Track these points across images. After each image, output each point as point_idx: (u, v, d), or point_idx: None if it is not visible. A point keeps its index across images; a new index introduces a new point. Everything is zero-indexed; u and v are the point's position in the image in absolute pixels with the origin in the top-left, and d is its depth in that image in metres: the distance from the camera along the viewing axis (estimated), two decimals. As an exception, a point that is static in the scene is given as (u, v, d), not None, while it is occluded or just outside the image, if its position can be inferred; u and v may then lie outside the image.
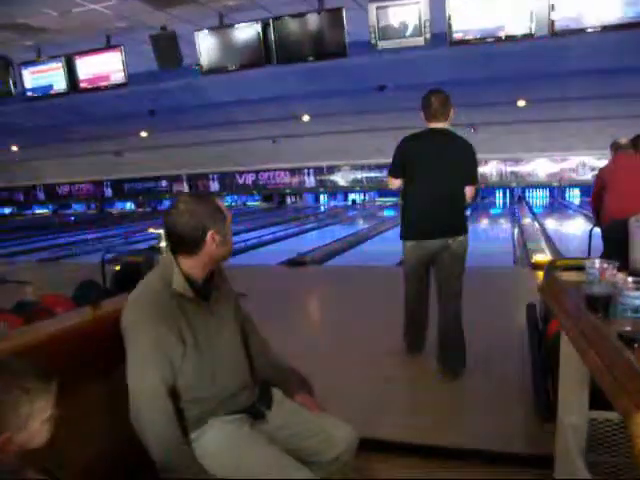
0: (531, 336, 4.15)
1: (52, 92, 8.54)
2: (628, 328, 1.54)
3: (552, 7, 6.17)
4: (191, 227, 1.78)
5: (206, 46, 7.49)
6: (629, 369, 1.31)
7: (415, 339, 4.23)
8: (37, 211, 29.11)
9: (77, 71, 8.25)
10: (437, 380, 3.82)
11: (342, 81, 13.94)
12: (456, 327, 3.87)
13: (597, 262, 1.92)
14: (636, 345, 1.43)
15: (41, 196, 28.99)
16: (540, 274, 5.89)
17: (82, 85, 8.32)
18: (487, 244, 11.72)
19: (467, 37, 6.55)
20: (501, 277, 6.92)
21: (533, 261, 7.51)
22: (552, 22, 6.19)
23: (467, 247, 3.93)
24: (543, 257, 7.76)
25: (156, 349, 1.72)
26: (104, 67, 8.12)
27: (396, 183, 3.97)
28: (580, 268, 3.82)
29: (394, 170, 3.95)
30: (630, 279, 1.73)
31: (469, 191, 3.88)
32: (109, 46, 8.08)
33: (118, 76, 8.08)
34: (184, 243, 1.81)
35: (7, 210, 29.83)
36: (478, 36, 6.52)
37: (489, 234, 14.89)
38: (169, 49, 7.72)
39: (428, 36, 6.68)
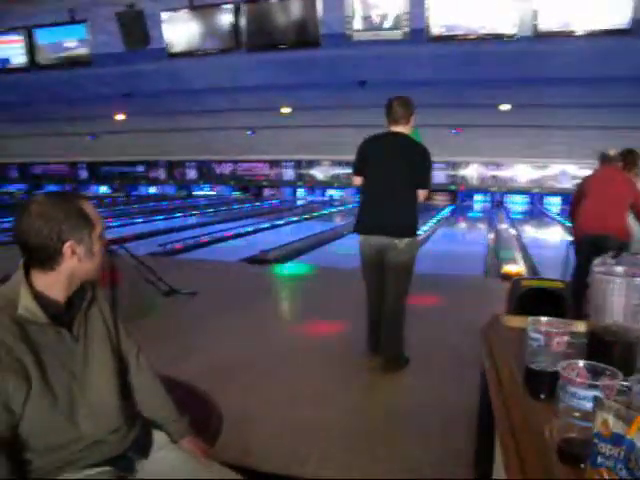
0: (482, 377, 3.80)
1: (10, 66, 8.07)
2: (572, 435, 1.11)
3: (536, 11, 5.92)
4: (44, 236, 1.42)
5: (173, 28, 7.12)
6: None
7: (372, 337, 4.11)
8: (10, 189, 28.39)
9: (38, 45, 7.81)
10: (374, 401, 3.52)
11: (324, 74, 13.64)
12: (393, 319, 3.94)
13: (543, 322, 1.46)
14: (582, 466, 1.05)
15: (14, 174, 28.36)
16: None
17: (43, 61, 7.87)
18: (463, 247, 11.53)
19: (447, 33, 6.26)
20: (467, 287, 6.63)
21: (503, 271, 7.26)
22: (535, 25, 5.93)
23: (415, 249, 3.99)
24: (514, 268, 7.50)
25: None
26: (67, 43, 7.69)
27: (357, 180, 4.14)
28: (548, 292, 3.58)
29: (355, 168, 4.15)
30: (583, 366, 1.19)
31: (421, 194, 3.98)
32: (72, 20, 7.64)
33: (82, 53, 7.65)
34: (35, 255, 1.45)
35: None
36: (458, 33, 6.22)
37: (466, 238, 14.68)
38: (136, 28, 7.32)
39: (407, 30, 6.37)
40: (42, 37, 7.77)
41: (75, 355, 1.52)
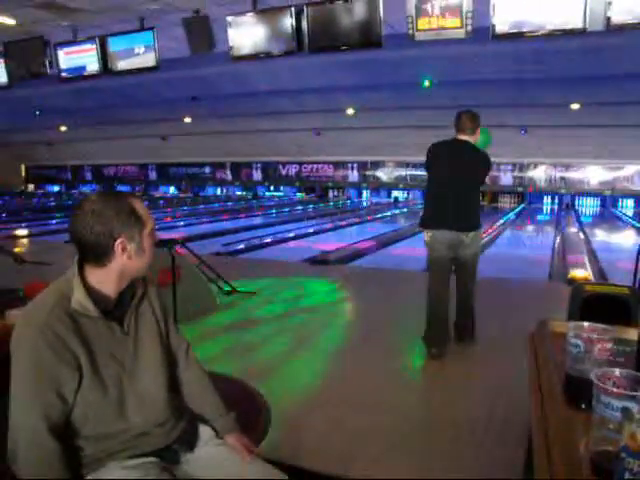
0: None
1: (85, 73, 8.43)
2: (607, 448, 1.03)
3: (609, 3, 5.70)
4: (96, 232, 1.48)
5: (237, 31, 7.25)
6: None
7: (435, 334, 4.25)
8: (83, 190, 29.57)
9: (110, 52, 8.12)
10: (427, 409, 3.47)
11: (387, 75, 13.57)
12: (468, 306, 4.41)
13: (584, 327, 1.38)
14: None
15: (88, 176, 29.54)
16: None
17: (114, 67, 8.18)
18: (530, 251, 11.25)
19: (512, 30, 6.11)
20: (531, 291, 6.46)
21: (569, 276, 7.02)
22: (609, 17, 5.71)
23: (479, 241, 4.43)
24: (582, 273, 7.24)
25: (37, 378, 1.42)
26: (136, 49, 7.96)
27: None
28: (612, 298, 3.45)
29: (426, 167, 4.55)
30: (620, 374, 1.12)
31: None
32: (142, 28, 7.91)
33: (149, 59, 7.91)
34: (88, 251, 1.52)
35: (56, 188, 30.39)
36: (524, 29, 6.06)
37: (533, 241, 14.30)
38: (202, 33, 7.52)
39: (470, 29, 6.26)
40: (114, 45, 8.07)
41: (125, 348, 1.58)
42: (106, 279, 1.54)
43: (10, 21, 8.26)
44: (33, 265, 7.89)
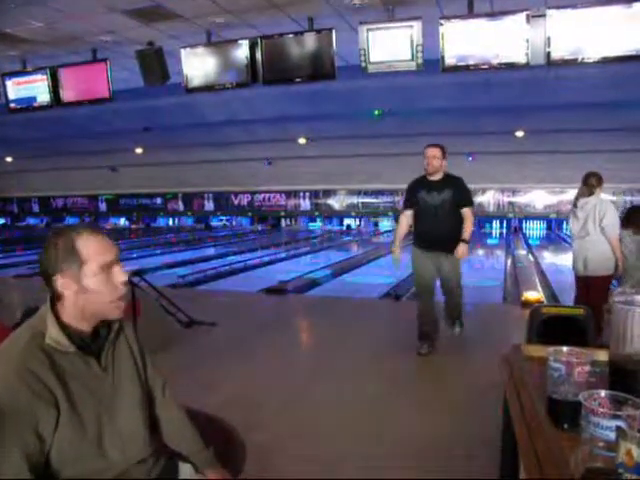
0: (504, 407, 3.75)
1: (35, 104, 8.30)
2: (597, 465, 1.10)
3: (548, 39, 5.98)
4: (42, 268, 1.50)
5: (191, 63, 7.29)
6: None
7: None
8: (31, 223, 28.83)
9: (61, 84, 8.03)
10: (395, 430, 3.50)
11: (340, 105, 13.80)
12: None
13: (564, 351, 1.47)
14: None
15: (35, 208, 28.83)
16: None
17: (66, 98, 8.09)
18: (481, 274, 11.46)
19: (460, 63, 6.33)
20: (488, 314, 6.62)
21: (523, 299, 7.20)
22: (548, 53, 5.99)
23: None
24: (534, 295, 7.44)
25: (16, 419, 1.39)
26: (89, 81, 7.90)
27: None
28: (567, 319, 3.57)
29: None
30: (605, 396, 1.19)
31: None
32: (95, 60, 7.87)
33: (102, 90, 7.85)
34: (48, 287, 1.52)
35: (1, 221, 29.54)
36: (471, 62, 6.29)
37: (484, 265, 14.60)
38: (155, 65, 7.51)
39: (420, 61, 6.46)
40: (66, 76, 7.98)
41: (103, 384, 1.56)
42: (73, 314, 1.52)
43: (-44, 51, 8.10)
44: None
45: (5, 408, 1.40)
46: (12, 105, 8.59)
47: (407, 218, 5.10)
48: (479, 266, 13.70)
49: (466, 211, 4.91)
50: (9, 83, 8.45)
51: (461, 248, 4.79)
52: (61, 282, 1.49)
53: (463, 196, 4.93)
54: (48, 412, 1.42)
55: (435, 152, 4.86)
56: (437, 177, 4.91)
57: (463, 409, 3.81)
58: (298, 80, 6.95)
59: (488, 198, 21.37)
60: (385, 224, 23.16)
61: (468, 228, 4.88)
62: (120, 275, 1.53)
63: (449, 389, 4.22)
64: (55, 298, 1.52)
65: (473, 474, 2.89)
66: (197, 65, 7.33)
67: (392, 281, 9.02)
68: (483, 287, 8.13)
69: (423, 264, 5.00)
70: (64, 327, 1.49)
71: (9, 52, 8.28)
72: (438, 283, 5.12)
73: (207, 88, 7.50)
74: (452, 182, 4.95)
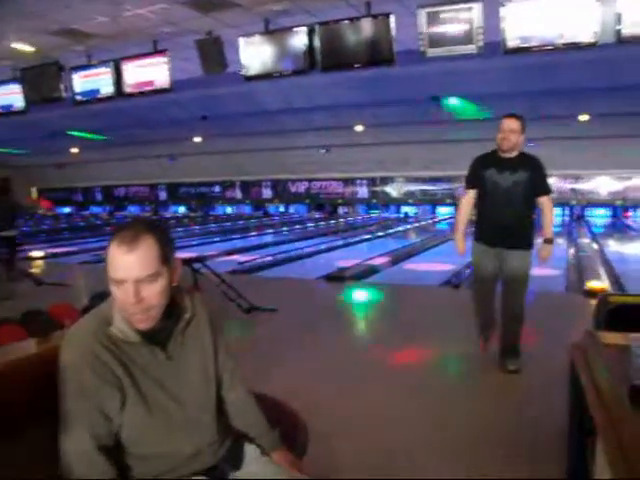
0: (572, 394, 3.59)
1: (99, 96, 8.56)
2: None
3: (619, 15, 5.75)
4: None
5: (249, 52, 7.36)
6: None
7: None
8: (95, 211, 29.77)
9: (123, 76, 8.24)
10: (458, 421, 3.45)
11: (397, 91, 13.65)
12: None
13: None
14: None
15: (99, 197, 29.76)
16: (593, 302, 5.43)
17: (128, 90, 8.30)
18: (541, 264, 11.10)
19: (523, 45, 6.16)
20: (550, 303, 6.45)
21: (587, 288, 6.97)
22: (618, 30, 5.76)
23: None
24: (598, 284, 7.20)
25: (83, 400, 1.45)
26: (149, 72, 8.08)
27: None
28: (637, 308, 3.44)
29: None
30: None
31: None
32: (155, 51, 8.03)
33: (163, 81, 8.02)
34: None
35: (67, 210, 30.60)
36: (535, 44, 6.12)
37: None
38: (214, 54, 7.63)
39: (481, 44, 6.34)
40: (128, 68, 8.19)
41: (169, 373, 1.58)
42: None
43: (28, 48, 8.40)
44: (51, 286, 7.98)
45: (72, 390, 1.46)
46: (78, 98, 8.88)
47: (470, 200, 4.28)
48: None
49: (545, 200, 4.10)
50: (75, 77, 8.75)
51: (546, 250, 4.11)
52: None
53: (542, 181, 4.09)
54: (114, 395, 1.46)
55: (513, 124, 4.00)
56: (511, 154, 4.07)
57: (527, 396, 3.75)
58: (356, 66, 6.92)
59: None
60: (443, 212, 22.84)
61: (550, 222, 4.13)
62: (121, 295, 1.47)
63: (513, 377, 4.13)
64: None
65: (539, 460, 2.84)
66: (255, 53, 7.39)
67: (451, 269, 8.90)
68: (545, 276, 7.92)
69: (486, 265, 4.19)
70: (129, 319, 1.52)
71: (75, 47, 8.56)
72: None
73: (265, 76, 7.57)
74: (529, 162, 4.08)
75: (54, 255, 12.69)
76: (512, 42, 6.16)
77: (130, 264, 1.44)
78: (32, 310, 4.24)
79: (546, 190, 4.11)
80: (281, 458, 1.76)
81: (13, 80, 9.23)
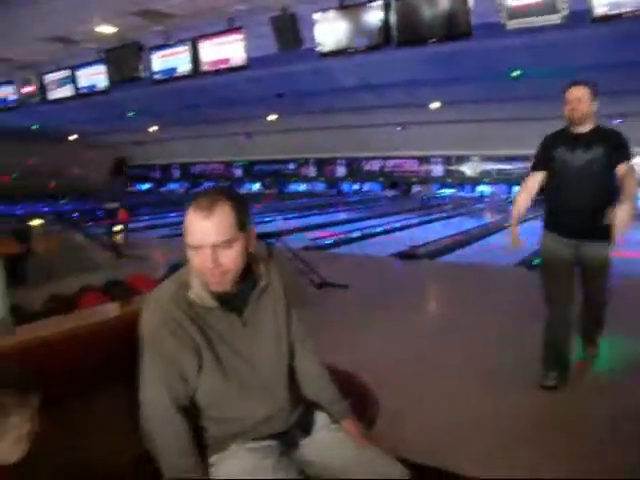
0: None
1: (176, 75, 8.75)
2: None
3: None
4: None
5: (324, 28, 7.31)
6: None
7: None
8: (172, 188, 30.61)
9: (200, 54, 8.38)
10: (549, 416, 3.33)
11: (474, 67, 13.27)
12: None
13: None
14: None
15: (176, 174, 30.58)
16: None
17: (204, 68, 8.44)
18: (628, 247, 10.59)
19: (612, 12, 5.81)
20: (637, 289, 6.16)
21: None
22: None
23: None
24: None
25: (162, 363, 1.52)
26: (225, 50, 8.17)
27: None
28: None
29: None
30: None
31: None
32: (231, 28, 8.10)
33: (239, 59, 8.10)
34: None
35: (145, 186, 31.65)
36: (626, 10, 5.75)
37: (634, 236, 13.55)
38: (289, 31, 7.61)
39: (566, 13, 6.03)
40: (204, 46, 8.31)
41: (244, 339, 1.63)
42: None
43: (110, 30, 8.66)
44: (130, 259, 8.32)
45: (152, 352, 1.52)
46: (156, 77, 9.11)
47: (534, 183, 3.74)
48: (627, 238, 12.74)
49: (622, 168, 3.42)
50: (154, 57, 8.96)
51: (621, 213, 3.05)
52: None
53: (620, 151, 3.46)
54: (191, 358, 1.52)
55: (580, 92, 3.48)
56: (585, 128, 3.51)
57: (611, 382, 3.63)
58: (432, 41, 6.76)
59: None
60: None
61: (630, 193, 3.27)
62: (198, 260, 1.51)
63: (593, 362, 4.00)
64: None
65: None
66: (329, 29, 7.34)
67: (527, 249, 8.64)
68: (633, 260, 7.57)
69: (559, 257, 3.61)
70: (206, 283, 1.56)
71: (154, 28, 8.75)
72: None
73: (339, 52, 7.51)
74: (607, 136, 3.51)
75: (134, 229, 13.20)
76: (600, 9, 5.83)
77: (207, 230, 1.47)
78: (112, 280, 4.50)
79: (626, 156, 3.46)
80: (350, 427, 1.79)
81: (98, 61, 9.57)
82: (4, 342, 1.57)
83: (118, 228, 12.67)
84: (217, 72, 8.45)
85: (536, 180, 3.73)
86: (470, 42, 6.89)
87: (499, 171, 22.28)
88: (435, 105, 17.90)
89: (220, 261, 1.49)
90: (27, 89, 10.91)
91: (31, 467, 1.28)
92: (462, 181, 23.63)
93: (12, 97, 11.33)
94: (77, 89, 10.11)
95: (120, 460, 1.58)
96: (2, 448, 1.21)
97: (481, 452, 2.79)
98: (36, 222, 8.72)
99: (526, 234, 3.83)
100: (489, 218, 16.10)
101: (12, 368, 1.29)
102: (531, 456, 2.75)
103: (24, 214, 17.94)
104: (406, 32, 6.81)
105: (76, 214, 18.66)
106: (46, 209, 20.59)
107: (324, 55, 7.55)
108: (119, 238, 11.52)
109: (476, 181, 23.31)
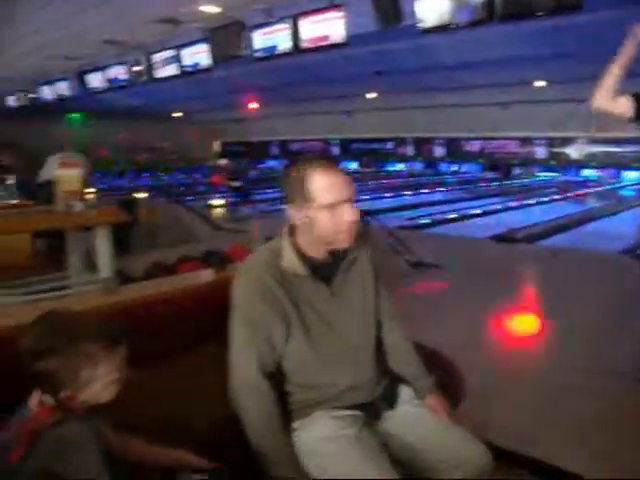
0: None
1: (277, 52, 8.88)
2: None
3: None
4: (284, 196, 1.64)
5: (425, 3, 7.17)
6: None
7: None
8: (271, 165, 31.18)
9: (300, 31, 8.44)
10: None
11: (581, 43, 12.58)
12: None
13: None
14: None
15: (275, 151, 31.12)
16: None
17: (304, 45, 8.50)
18: None
19: None
20: None
21: None
22: None
23: None
24: None
25: (252, 328, 1.58)
26: (325, 27, 8.19)
27: None
28: None
29: None
30: None
31: None
32: (331, 5, 8.10)
33: (338, 36, 8.09)
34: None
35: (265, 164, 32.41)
36: None
37: None
38: (389, 7, 7.53)
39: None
40: (305, 23, 8.36)
41: (331, 308, 1.67)
42: (306, 242, 1.64)
43: (215, 9, 8.89)
44: (230, 232, 8.68)
45: (243, 318, 1.60)
46: (257, 54, 9.28)
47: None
48: None
49: None
50: (255, 34, 9.11)
51: None
52: (291, 212, 1.62)
53: None
54: (280, 324, 1.58)
55: None
56: None
57: None
58: (539, 14, 6.47)
59: None
60: (630, 176, 20.74)
61: None
62: (347, 214, 1.57)
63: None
64: (293, 225, 1.65)
65: None
66: (431, 5, 7.19)
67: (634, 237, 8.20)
68: None
69: None
70: (299, 252, 1.62)
71: (256, 6, 8.89)
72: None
73: (441, 28, 7.34)
74: None
75: (233, 204, 13.65)
76: None
77: (348, 184, 1.58)
78: (211, 250, 4.77)
79: None
80: (435, 403, 1.80)
81: (201, 40, 9.87)
82: (108, 300, 1.69)
83: (219, 202, 13.21)
84: (316, 49, 8.49)
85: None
86: (578, 16, 6.55)
87: (607, 154, 21.07)
88: (540, 83, 17.17)
89: None
90: (136, 69, 11.49)
91: (123, 411, 1.40)
92: (566, 164, 22.56)
93: (123, 77, 12.00)
94: (181, 67, 10.52)
95: (207, 420, 1.67)
96: (92, 391, 1.34)
97: (568, 445, 2.72)
98: (141, 195, 9.23)
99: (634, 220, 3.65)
100: (594, 203, 15.35)
101: (101, 321, 1.41)
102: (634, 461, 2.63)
103: (133, 186, 18.97)
104: (511, 5, 6.56)
105: (181, 188, 19.55)
106: (151, 183, 21.62)
107: (426, 32, 7.41)
108: (220, 212, 12.00)
109: (581, 164, 22.18)
